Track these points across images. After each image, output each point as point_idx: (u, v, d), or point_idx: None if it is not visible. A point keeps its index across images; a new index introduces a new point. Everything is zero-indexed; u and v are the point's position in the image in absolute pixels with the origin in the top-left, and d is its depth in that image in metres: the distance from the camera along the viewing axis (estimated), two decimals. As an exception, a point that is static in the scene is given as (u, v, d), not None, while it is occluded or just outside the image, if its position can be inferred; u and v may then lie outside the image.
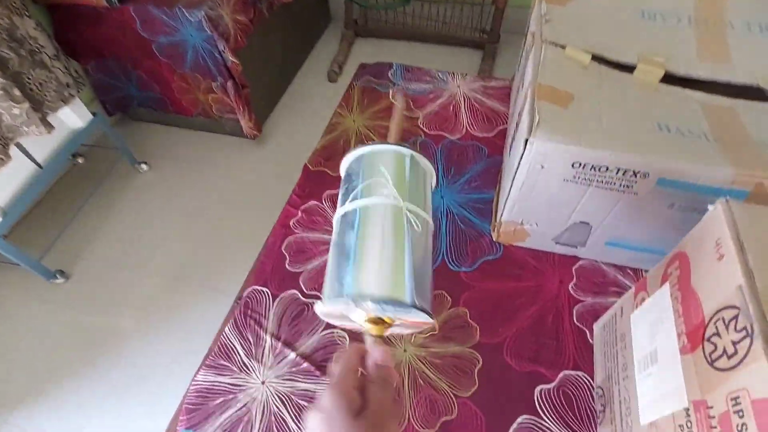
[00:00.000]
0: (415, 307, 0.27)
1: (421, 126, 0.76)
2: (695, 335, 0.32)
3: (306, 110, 1.66)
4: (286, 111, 1.66)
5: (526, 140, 0.45)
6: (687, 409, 0.31)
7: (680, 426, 0.32)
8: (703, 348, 0.31)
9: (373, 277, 0.28)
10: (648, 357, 0.39)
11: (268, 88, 1.60)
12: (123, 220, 1.41)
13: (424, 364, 0.52)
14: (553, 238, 0.57)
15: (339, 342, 0.54)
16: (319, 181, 0.71)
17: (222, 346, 0.55)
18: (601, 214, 0.50)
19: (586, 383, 0.50)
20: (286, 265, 0.62)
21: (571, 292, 0.57)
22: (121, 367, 1.13)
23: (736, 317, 0.28)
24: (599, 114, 0.47)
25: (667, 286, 0.38)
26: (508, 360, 0.52)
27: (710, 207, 0.34)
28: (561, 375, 0.50)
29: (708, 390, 0.29)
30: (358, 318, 0.30)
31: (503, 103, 0.79)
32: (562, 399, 0.49)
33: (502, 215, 0.57)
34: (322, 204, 0.68)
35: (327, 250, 0.60)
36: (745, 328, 0.27)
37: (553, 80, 0.50)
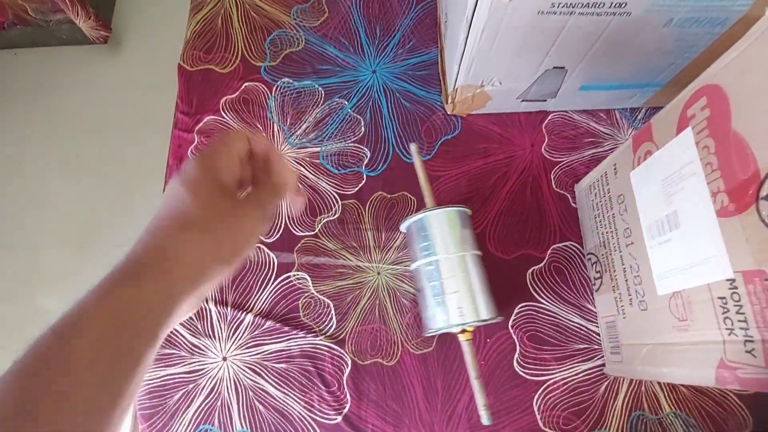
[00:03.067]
0: (495, 318, 0.37)
1: (322, -24, 0.56)
2: (742, 193, 0.25)
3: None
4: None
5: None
6: (731, 281, 0.26)
7: (721, 298, 0.27)
8: (757, 208, 0.24)
9: (468, 306, 0.37)
10: (663, 221, 0.33)
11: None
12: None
13: (404, 282, 0.45)
14: (518, 96, 0.47)
15: (300, 286, 0.45)
16: (206, 83, 0.52)
17: (155, 329, 0.44)
18: (580, 52, 0.40)
19: (576, 252, 0.46)
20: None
21: (545, 154, 0.49)
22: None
23: (822, 167, 0.21)
24: None
25: (688, 133, 0.30)
26: (493, 250, 0.46)
27: (746, 5, 0.24)
28: (549, 251, 0.46)
29: (766, 259, 0.24)
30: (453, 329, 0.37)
31: None
32: (555, 275, 0.45)
33: (456, 80, 0.44)
34: (222, 116, 0.51)
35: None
36: (841, 180, 0.20)
37: None
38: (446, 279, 0.37)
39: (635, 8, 0.34)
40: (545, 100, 0.48)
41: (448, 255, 0.37)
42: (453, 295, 0.37)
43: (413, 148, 0.41)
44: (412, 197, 0.47)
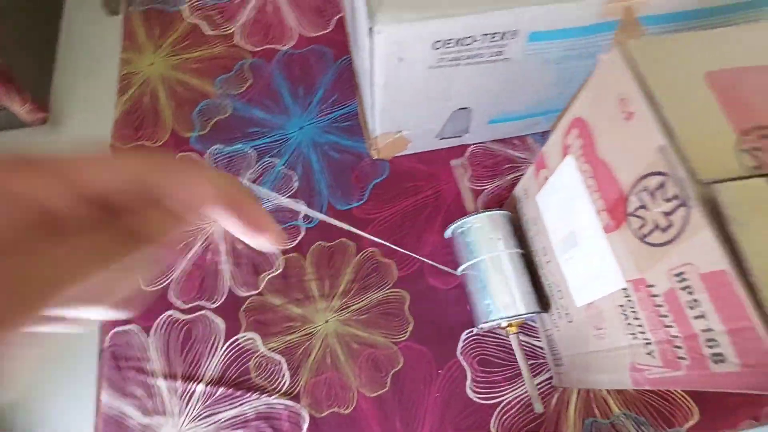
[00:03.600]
0: (536, 311, 0.42)
1: (242, 44, 0.59)
2: (616, 211, 0.28)
3: (94, 62, 1.26)
4: (70, 70, 1.26)
5: (370, 29, 0.34)
6: (625, 290, 0.29)
7: (621, 306, 0.30)
8: (629, 224, 0.27)
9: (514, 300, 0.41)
10: (567, 239, 0.36)
11: (32, 47, 1.17)
12: None
13: (351, 327, 0.46)
14: (435, 135, 0.50)
15: (249, 347, 0.45)
16: (139, 161, 0.53)
17: (108, 419, 0.43)
18: (477, 94, 0.43)
19: (511, 272, 0.48)
20: (143, 286, 0.47)
21: (470, 185, 0.52)
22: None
23: (662, 185, 0.24)
24: (443, -31, 0.37)
25: (569, 159, 0.33)
26: (433, 282, 0.48)
27: (602, 57, 0.28)
28: (487, 274, 0.48)
29: (646, 268, 0.27)
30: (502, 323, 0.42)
31: (329, -16, 0.63)
32: (495, 297, 0.47)
33: (375, 130, 0.47)
34: (156, 190, 0.51)
35: (185, 246, 0.47)
36: (676, 196, 0.23)
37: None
38: (490, 278, 0.42)
39: (512, 55, 0.38)
40: (461, 136, 0.51)
41: (491, 255, 0.42)
42: (496, 291, 0.41)
43: (455, 162, 0.51)
44: (350, 242, 0.49)
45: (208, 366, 0.44)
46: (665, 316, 0.26)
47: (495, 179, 0.53)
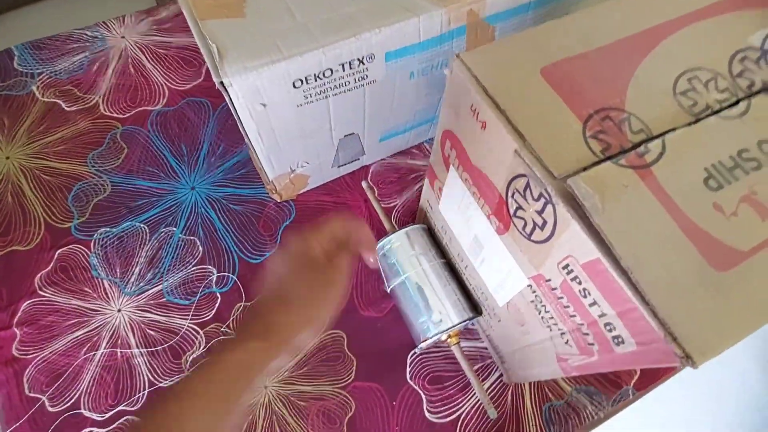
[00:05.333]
0: (470, 318, 0.41)
1: (109, 113, 0.55)
2: (501, 214, 0.29)
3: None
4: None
5: (221, 83, 0.32)
6: (530, 286, 0.29)
7: (532, 302, 0.30)
8: (514, 225, 0.28)
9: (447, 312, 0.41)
10: (473, 244, 0.36)
11: None
12: None
13: (294, 383, 0.43)
14: (332, 165, 0.49)
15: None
16: (12, 268, 0.47)
17: None
18: (358, 119, 0.43)
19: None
20: (49, 408, 0.42)
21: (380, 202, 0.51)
22: None
23: (528, 185, 0.24)
24: (286, 5, 0.36)
25: (452, 170, 0.33)
26: (366, 313, 0.46)
27: (446, 72, 0.28)
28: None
29: (539, 264, 0.27)
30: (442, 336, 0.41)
31: (190, 33, 0.60)
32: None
33: (268, 174, 0.45)
34: (41, 295, 0.45)
35: (89, 349, 0.42)
36: (541, 194, 0.23)
37: (207, -14, 0.35)
38: (419, 294, 0.41)
39: (376, 76, 0.38)
40: (359, 158, 0.51)
41: (415, 271, 0.42)
42: (427, 307, 0.41)
43: (365, 184, 0.50)
44: (273, 296, 0.46)
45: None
46: (568, 306, 0.26)
47: (404, 192, 0.52)
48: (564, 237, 0.23)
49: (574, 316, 0.26)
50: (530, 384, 0.44)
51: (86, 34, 0.59)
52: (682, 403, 0.94)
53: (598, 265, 0.22)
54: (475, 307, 0.42)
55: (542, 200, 0.24)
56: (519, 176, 0.25)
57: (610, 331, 0.24)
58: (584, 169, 0.23)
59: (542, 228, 0.25)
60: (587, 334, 0.26)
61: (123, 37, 0.59)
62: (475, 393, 0.43)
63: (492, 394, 0.44)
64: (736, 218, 0.22)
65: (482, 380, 0.44)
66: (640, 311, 0.20)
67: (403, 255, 0.43)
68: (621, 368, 0.25)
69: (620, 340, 0.23)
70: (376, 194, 0.50)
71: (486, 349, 0.46)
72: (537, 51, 0.27)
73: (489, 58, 0.26)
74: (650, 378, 0.45)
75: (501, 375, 0.45)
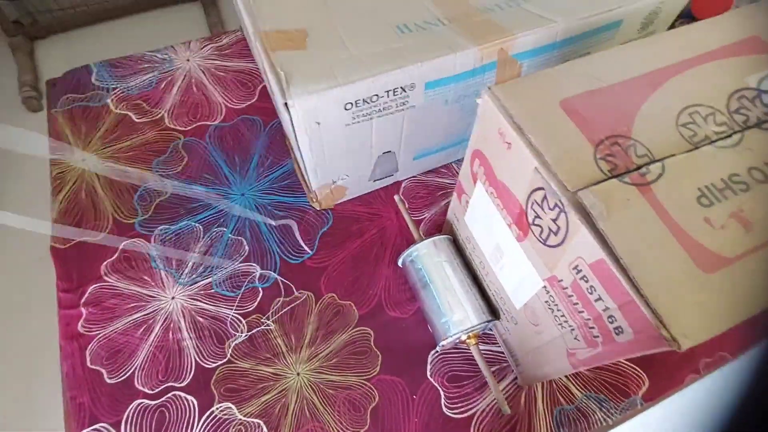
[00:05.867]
0: (489, 320, 0.45)
1: (173, 125, 0.62)
2: (521, 223, 0.33)
3: (22, 165, 1.23)
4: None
5: (285, 104, 0.38)
6: (545, 287, 0.34)
7: (546, 302, 0.34)
8: (532, 232, 0.32)
9: (467, 314, 0.45)
10: (495, 252, 0.40)
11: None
12: None
13: (324, 373, 0.48)
14: (369, 179, 0.54)
15: (226, 417, 0.45)
16: (83, 255, 0.53)
17: None
18: (396, 139, 0.48)
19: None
20: (107, 379, 0.47)
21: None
22: None
23: (545, 197, 0.29)
24: (341, 40, 0.42)
25: (479, 185, 0.38)
26: (393, 313, 0.51)
27: (479, 101, 0.33)
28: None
29: (553, 266, 0.31)
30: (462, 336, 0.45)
31: (248, 57, 0.68)
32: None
33: (312, 185, 0.51)
34: (106, 280, 0.52)
35: (145, 330, 0.47)
36: (556, 204, 0.28)
37: (276, 21, 0.42)
38: (442, 297, 0.45)
39: (416, 102, 0.44)
40: (392, 174, 0.56)
41: (439, 276, 0.46)
42: (450, 309, 0.45)
43: (397, 198, 0.54)
44: (307, 292, 0.51)
45: (189, 449, 0.44)
46: (576, 303, 0.30)
47: (431, 207, 0.57)
48: (574, 241, 0.28)
49: (582, 312, 0.30)
50: (542, 388, 0.47)
51: (157, 56, 0.68)
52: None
53: (603, 264, 0.26)
54: (494, 312, 0.46)
55: (557, 209, 0.28)
56: (538, 189, 0.29)
57: (611, 322, 0.27)
58: (594, 184, 0.27)
59: (556, 234, 0.29)
60: (593, 327, 0.30)
61: (188, 60, 0.67)
62: (490, 393, 0.47)
63: (506, 395, 0.47)
64: (724, 230, 0.26)
65: (498, 381, 0.47)
66: (637, 303, 0.24)
67: (429, 261, 0.47)
68: (621, 357, 0.29)
69: (620, 330, 0.27)
70: (407, 207, 0.56)
71: (502, 353, 0.49)
72: (557, 86, 0.32)
73: (516, 91, 0.31)
74: (659, 389, 0.47)
75: (515, 378, 0.48)
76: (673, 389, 0.48)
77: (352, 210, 0.56)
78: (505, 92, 0.31)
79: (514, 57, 0.44)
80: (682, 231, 0.26)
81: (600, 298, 0.28)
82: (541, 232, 0.31)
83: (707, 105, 0.32)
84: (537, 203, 0.30)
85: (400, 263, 0.50)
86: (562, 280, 0.31)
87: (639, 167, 0.28)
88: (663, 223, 0.26)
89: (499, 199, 0.35)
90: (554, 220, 0.29)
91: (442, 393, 0.47)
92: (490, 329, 0.50)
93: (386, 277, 0.53)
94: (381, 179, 0.56)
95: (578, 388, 0.48)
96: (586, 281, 0.28)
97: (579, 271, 0.28)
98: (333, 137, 0.43)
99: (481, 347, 0.48)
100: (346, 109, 0.41)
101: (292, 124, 0.41)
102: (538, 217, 0.31)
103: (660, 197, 0.27)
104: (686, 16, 0.56)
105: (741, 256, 0.25)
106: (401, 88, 0.41)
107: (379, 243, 0.55)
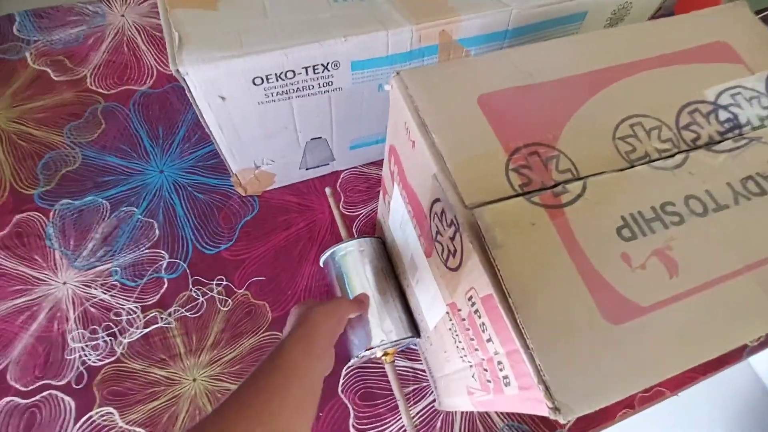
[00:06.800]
0: (408, 337, 0.39)
1: (94, 87, 0.55)
2: (428, 236, 0.28)
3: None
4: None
5: (177, 71, 0.33)
6: (448, 313, 0.29)
7: (449, 329, 0.30)
8: (435, 249, 0.27)
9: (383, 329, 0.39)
10: (411, 263, 0.35)
11: None
12: None
13: (223, 381, 0.43)
14: (300, 167, 0.49)
15: (105, 423, 0.40)
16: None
17: None
18: (324, 124, 0.43)
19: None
20: (-22, 369, 0.42)
21: (344, 211, 0.51)
22: None
23: (443, 210, 0.24)
24: (263, 3, 0.36)
25: (396, 186, 0.33)
26: (310, 318, 0.46)
27: (387, 87, 0.28)
28: (364, 303, 0.47)
29: (453, 292, 0.26)
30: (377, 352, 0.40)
31: (189, 20, 0.61)
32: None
33: (230, 167, 0.45)
34: (-7, 257, 0.46)
35: (28, 318, 0.42)
36: (452, 221, 0.23)
37: (183, -25, 0.36)
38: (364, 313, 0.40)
39: (342, 83, 0.38)
40: (328, 164, 0.51)
41: (360, 283, 0.41)
42: (368, 321, 0.40)
43: (328, 190, 0.47)
44: (220, 288, 0.46)
45: (56, 453, 0.39)
46: (472, 339, 0.26)
47: (371, 202, 0.52)
48: (468, 267, 0.23)
49: (477, 350, 0.25)
50: (462, 415, 0.43)
51: (88, 8, 0.61)
52: None
53: (491, 300, 0.21)
54: (416, 327, 0.41)
55: (453, 227, 0.23)
56: (437, 200, 0.24)
57: (501, 370, 0.23)
58: (495, 201, 0.22)
59: (454, 255, 0.24)
60: (486, 370, 0.25)
61: (123, 15, 0.61)
62: (404, 415, 0.42)
63: (422, 418, 0.43)
64: (643, 271, 0.21)
65: (414, 403, 0.43)
66: (521, 354, 0.20)
67: (351, 265, 0.42)
68: (511, 410, 0.24)
69: (508, 381, 0.22)
70: (339, 201, 0.50)
71: (424, 371, 0.45)
72: (479, 78, 0.26)
73: (429, 79, 0.26)
74: (587, 422, 0.43)
75: (434, 400, 0.44)
76: (604, 424, 0.44)
77: (281, 199, 0.51)
78: (415, 79, 0.26)
79: (459, 42, 0.38)
80: (591, 268, 0.21)
81: (491, 339, 0.23)
82: (442, 250, 0.26)
83: (653, 117, 0.27)
84: (438, 216, 0.25)
85: (321, 263, 0.45)
86: (461, 310, 0.26)
87: (556, 185, 0.23)
88: (569, 257, 0.21)
89: (410, 204, 0.30)
90: (452, 239, 0.24)
91: (352, 412, 0.42)
92: (415, 344, 0.45)
93: (309, 276, 0.48)
94: (314, 167, 0.50)
95: (500, 416, 0.44)
96: (479, 317, 0.23)
97: (473, 304, 0.24)
98: (244, 116, 0.38)
99: (402, 364, 0.44)
100: (255, 84, 0.35)
101: (193, 98, 0.35)
102: (439, 233, 0.26)
103: (572, 224, 0.22)
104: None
105: (657, 305, 0.21)
106: (322, 65, 0.35)
107: (306, 237, 0.49)
